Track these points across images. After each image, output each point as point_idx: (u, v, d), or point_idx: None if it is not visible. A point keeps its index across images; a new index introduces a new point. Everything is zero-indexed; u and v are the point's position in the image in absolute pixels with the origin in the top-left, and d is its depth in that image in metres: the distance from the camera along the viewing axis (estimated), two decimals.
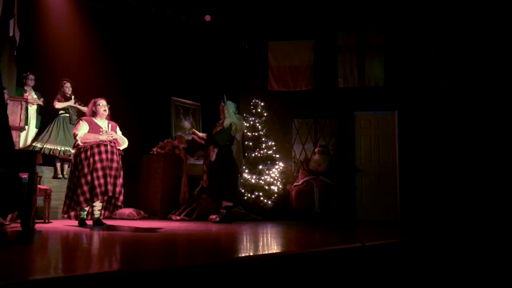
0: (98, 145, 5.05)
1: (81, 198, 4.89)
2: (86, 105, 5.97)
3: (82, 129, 5.09)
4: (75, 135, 5.08)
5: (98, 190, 4.88)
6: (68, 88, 6.89)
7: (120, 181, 5.09)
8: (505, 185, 7.41)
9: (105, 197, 5.11)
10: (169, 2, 8.19)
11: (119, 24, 8.07)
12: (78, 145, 5.05)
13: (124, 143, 5.32)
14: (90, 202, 4.94)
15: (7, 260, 2.39)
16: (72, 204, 4.96)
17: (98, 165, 4.95)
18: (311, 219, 7.51)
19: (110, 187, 4.96)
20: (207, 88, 9.00)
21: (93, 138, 5.06)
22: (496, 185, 7.48)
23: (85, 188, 4.88)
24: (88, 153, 5.00)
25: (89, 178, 4.90)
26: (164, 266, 2.14)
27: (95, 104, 5.33)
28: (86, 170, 4.94)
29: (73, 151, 5.26)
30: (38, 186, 5.29)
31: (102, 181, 4.93)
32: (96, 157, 4.98)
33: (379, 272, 3.28)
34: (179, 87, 8.96)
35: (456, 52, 8.22)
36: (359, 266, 3.13)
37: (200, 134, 6.44)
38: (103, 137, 5.12)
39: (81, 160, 4.99)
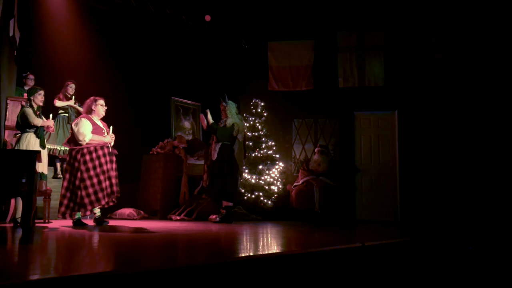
0: (102, 147, 5.08)
1: (86, 200, 4.90)
2: None
3: (88, 129, 5.06)
4: (81, 134, 4.99)
5: (105, 192, 4.96)
6: (71, 88, 6.90)
7: (117, 180, 5.19)
8: (505, 185, 7.41)
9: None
10: (169, 2, 8.19)
11: (119, 24, 8.07)
12: (81, 144, 5.01)
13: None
14: (95, 204, 4.96)
15: (7, 260, 2.39)
16: (70, 205, 4.93)
17: (104, 168, 5.03)
18: (311, 219, 7.50)
19: (115, 188, 5.08)
20: (207, 88, 9.00)
21: (99, 139, 5.09)
22: (496, 185, 7.48)
23: (90, 190, 4.91)
24: (94, 155, 5.01)
25: (95, 180, 4.94)
26: (164, 266, 2.14)
27: (95, 103, 5.29)
28: (92, 172, 4.95)
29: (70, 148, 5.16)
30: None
31: (107, 183, 5.02)
32: (102, 160, 5.05)
33: (379, 272, 3.28)
34: (179, 87, 8.96)
35: (456, 52, 8.21)
36: (359, 266, 3.13)
37: (210, 119, 6.43)
38: (107, 139, 5.16)
39: (85, 162, 4.96)
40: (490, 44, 8.01)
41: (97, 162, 5.00)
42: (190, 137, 8.93)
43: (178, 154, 7.74)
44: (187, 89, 9.08)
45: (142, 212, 7.05)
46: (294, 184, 8.05)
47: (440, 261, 3.87)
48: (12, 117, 5.80)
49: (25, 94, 6.44)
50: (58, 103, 6.79)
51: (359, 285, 3.04)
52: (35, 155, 4.24)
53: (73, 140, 5.09)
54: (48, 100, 6.90)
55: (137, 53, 8.24)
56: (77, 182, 4.93)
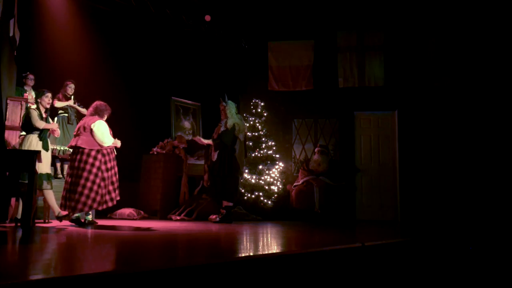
0: (112, 150, 5.32)
1: (107, 197, 5.12)
2: (85, 106, 5.97)
3: (108, 131, 5.26)
4: (107, 137, 5.15)
5: (117, 192, 5.24)
6: (71, 88, 6.88)
7: None
8: (505, 185, 7.41)
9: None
10: (169, 2, 8.19)
11: (119, 24, 8.07)
12: (102, 145, 5.15)
13: None
14: (109, 203, 5.17)
15: (7, 260, 2.39)
16: (88, 202, 5.02)
17: (116, 169, 5.28)
18: (311, 219, 7.50)
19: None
20: (207, 88, 9.00)
21: (114, 142, 5.32)
22: (496, 185, 7.48)
23: (110, 188, 5.15)
24: (111, 156, 5.26)
25: (111, 180, 5.18)
26: (164, 266, 2.14)
27: (108, 111, 5.45)
28: (110, 172, 5.18)
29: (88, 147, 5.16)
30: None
31: (116, 185, 5.26)
32: (115, 162, 5.30)
33: (379, 272, 3.28)
34: (179, 87, 8.96)
35: (456, 52, 8.21)
36: (359, 266, 3.13)
37: (205, 141, 6.40)
38: (119, 143, 5.38)
39: (105, 162, 5.16)
40: (490, 44, 8.01)
41: (113, 163, 5.25)
42: (190, 137, 8.92)
43: (178, 154, 7.74)
44: (187, 89, 9.07)
45: (142, 212, 7.06)
46: (294, 184, 8.05)
47: (440, 261, 3.87)
48: (12, 117, 5.79)
49: (25, 94, 6.45)
50: (57, 104, 6.78)
51: (359, 285, 3.04)
52: (35, 155, 4.23)
53: (90, 140, 5.13)
54: None
55: (137, 53, 8.23)
56: (97, 180, 5.06)
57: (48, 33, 7.33)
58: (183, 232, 4.47)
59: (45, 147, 5.11)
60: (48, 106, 5.35)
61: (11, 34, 6.00)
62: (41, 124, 5.08)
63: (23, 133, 5.37)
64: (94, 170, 5.05)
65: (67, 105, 6.85)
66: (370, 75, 8.51)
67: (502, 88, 7.85)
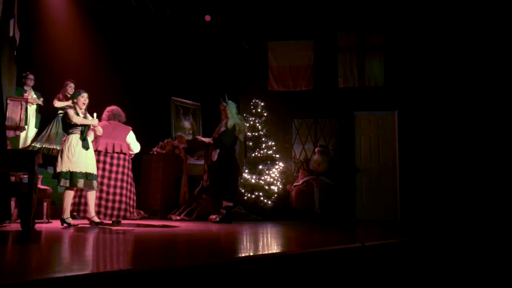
0: None
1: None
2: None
3: None
4: (137, 144, 5.59)
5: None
6: (71, 88, 6.88)
7: None
8: (505, 185, 7.41)
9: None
10: (169, 2, 8.19)
11: (119, 24, 8.07)
12: (132, 152, 5.60)
13: None
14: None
15: (7, 260, 2.39)
16: (135, 205, 5.47)
17: None
18: (311, 219, 7.50)
19: None
20: (207, 88, 9.00)
21: None
22: (496, 185, 7.48)
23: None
24: None
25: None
26: (164, 266, 2.14)
27: (123, 114, 5.75)
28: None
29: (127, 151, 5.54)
30: (38, 186, 5.27)
31: None
32: None
33: (379, 272, 3.28)
34: (179, 87, 8.96)
35: (456, 52, 8.21)
36: (359, 266, 3.13)
37: (206, 140, 6.43)
38: None
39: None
40: (490, 44, 8.01)
41: None
42: (190, 137, 8.92)
43: (178, 154, 7.74)
44: (187, 89, 9.07)
45: (142, 212, 7.05)
46: (294, 184, 8.05)
47: (440, 261, 3.87)
48: (12, 117, 5.78)
49: (25, 94, 6.45)
50: (57, 104, 6.77)
51: (359, 285, 3.04)
52: (35, 155, 4.23)
53: (127, 146, 5.54)
54: (48, 100, 6.92)
55: (137, 53, 8.23)
56: (133, 183, 5.49)
57: (48, 33, 7.33)
58: (183, 232, 4.47)
59: (85, 146, 5.04)
60: (83, 107, 5.25)
61: (11, 34, 6.00)
62: (78, 120, 5.03)
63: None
64: (131, 174, 5.48)
65: (67, 105, 6.84)
66: (370, 75, 8.52)
67: (502, 88, 7.85)
